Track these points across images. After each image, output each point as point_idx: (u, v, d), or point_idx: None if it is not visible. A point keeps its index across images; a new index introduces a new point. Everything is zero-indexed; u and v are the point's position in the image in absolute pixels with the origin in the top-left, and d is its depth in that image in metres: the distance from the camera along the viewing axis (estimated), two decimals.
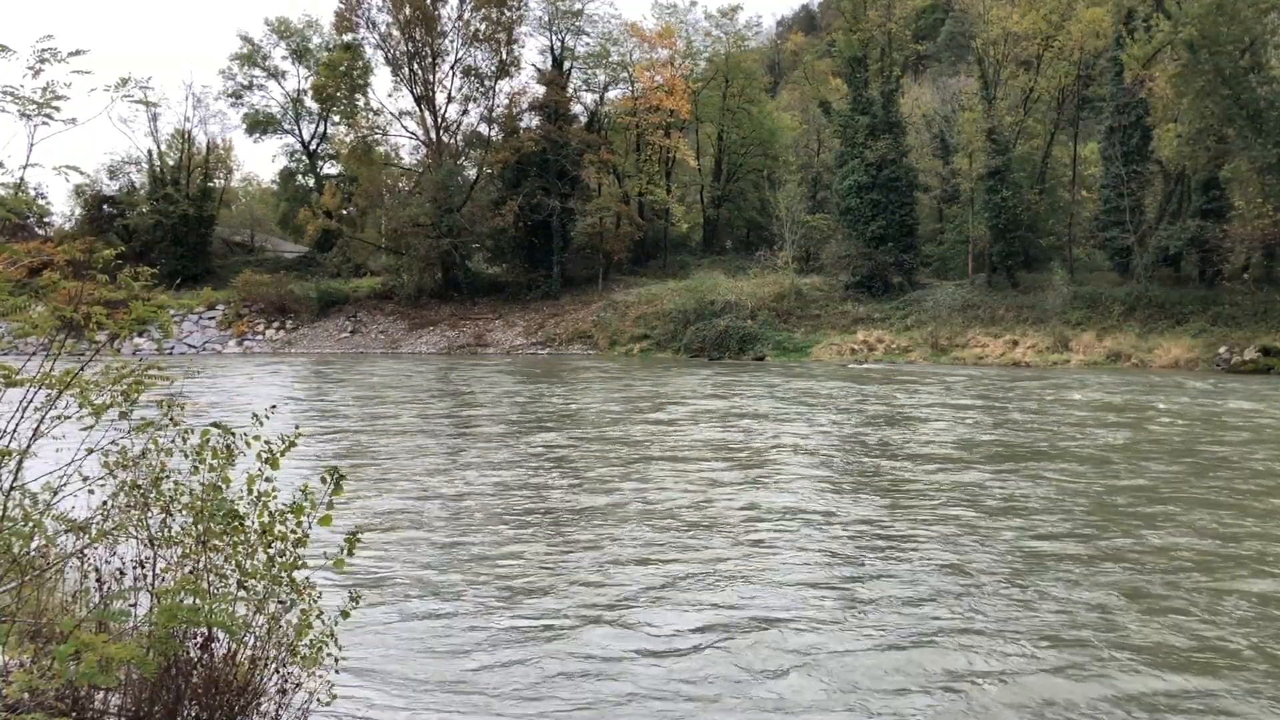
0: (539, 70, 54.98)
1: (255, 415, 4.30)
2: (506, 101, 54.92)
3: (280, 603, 4.15)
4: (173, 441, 4.35)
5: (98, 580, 4.17)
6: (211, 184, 59.30)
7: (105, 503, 4.14)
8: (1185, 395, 24.27)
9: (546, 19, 54.56)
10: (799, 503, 11.24)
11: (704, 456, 14.64)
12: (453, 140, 55.61)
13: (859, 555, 8.89)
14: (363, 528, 4.68)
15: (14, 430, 3.70)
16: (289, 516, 4.18)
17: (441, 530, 10.12)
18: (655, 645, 6.68)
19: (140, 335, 4.45)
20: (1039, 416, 19.74)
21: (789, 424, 18.62)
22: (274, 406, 4.76)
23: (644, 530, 9.86)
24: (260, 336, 50.44)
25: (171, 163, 58.45)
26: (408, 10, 52.56)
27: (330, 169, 62.89)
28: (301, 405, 23.24)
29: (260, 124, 60.85)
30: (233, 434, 4.30)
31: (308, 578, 4.24)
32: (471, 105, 55.20)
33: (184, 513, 4.20)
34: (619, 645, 6.68)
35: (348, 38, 55.51)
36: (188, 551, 4.17)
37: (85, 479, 4.03)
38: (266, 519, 4.17)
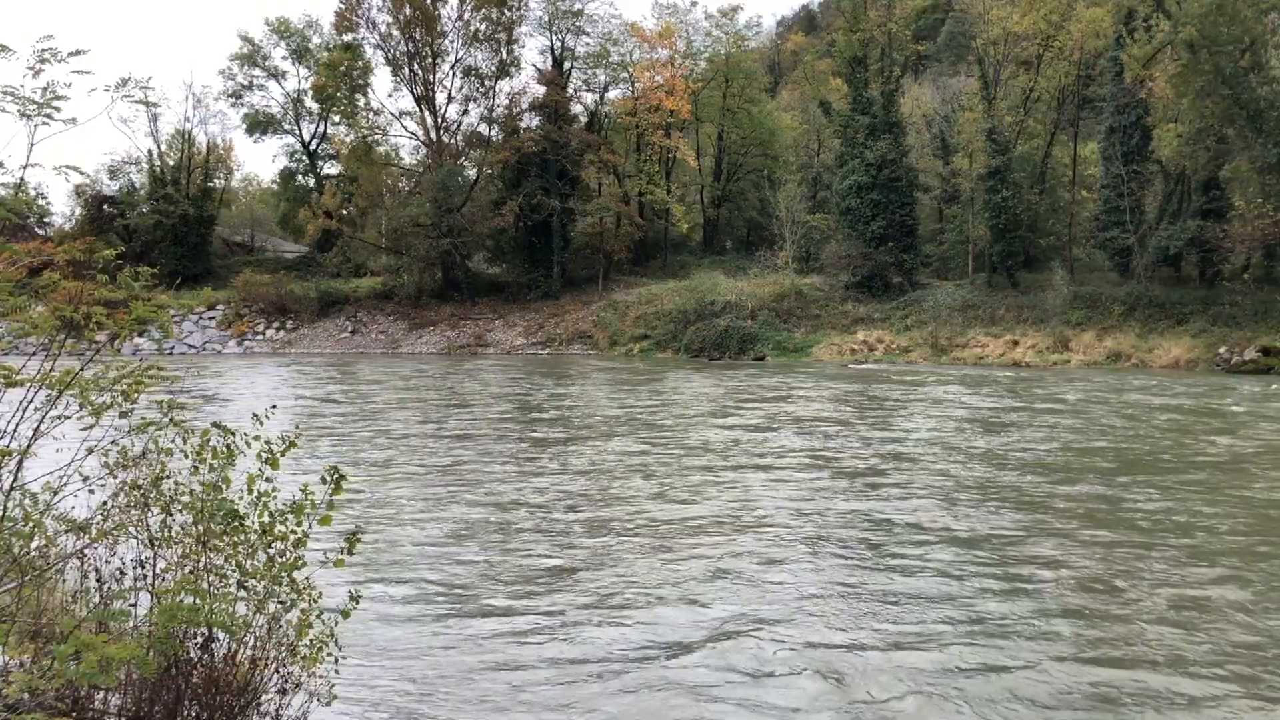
0: (539, 70, 55.02)
1: (255, 415, 4.30)
2: (506, 101, 55.05)
3: (280, 603, 4.15)
4: (173, 441, 4.35)
5: (98, 580, 4.17)
6: (211, 184, 59.29)
7: (105, 503, 4.14)
8: (1247, 398, 23.27)
9: (546, 19, 54.62)
10: (930, 517, 10.41)
11: (805, 464, 13.93)
12: (453, 140, 55.62)
13: (1037, 589, 7.83)
14: (362, 529, 4.66)
15: (14, 430, 3.70)
16: (289, 516, 4.18)
17: (448, 530, 10.12)
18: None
19: (140, 335, 4.45)
20: (1127, 421, 18.72)
21: (864, 429, 17.85)
22: (274, 406, 4.76)
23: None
24: (260, 336, 50.44)
25: (172, 163, 58.43)
26: (408, 10, 52.57)
27: (330, 169, 62.92)
28: (344, 408, 22.47)
29: (260, 124, 60.85)
30: (232, 434, 4.30)
31: (308, 578, 4.24)
32: (471, 105, 55.28)
33: (184, 513, 4.20)
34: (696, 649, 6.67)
35: (348, 38, 55.52)
36: (188, 551, 4.17)
37: (85, 479, 4.03)
38: (266, 519, 4.17)
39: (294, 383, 30.43)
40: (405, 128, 57.98)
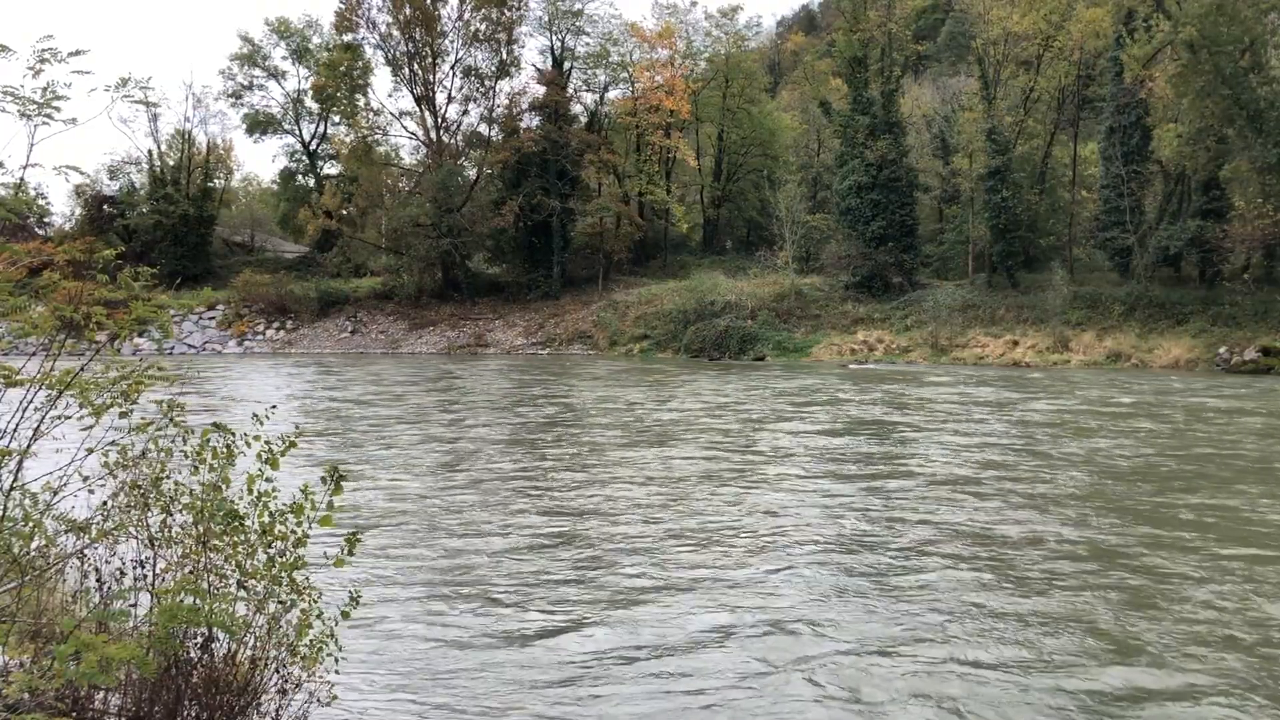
0: (539, 70, 55.01)
1: (255, 415, 4.30)
2: (506, 101, 54.98)
3: (280, 603, 4.15)
4: (173, 442, 4.35)
5: (98, 580, 4.17)
6: (211, 184, 59.27)
7: (105, 503, 4.14)
8: None
9: (546, 19, 54.61)
10: (1052, 530, 9.88)
11: (900, 472, 13.36)
12: (453, 140, 55.61)
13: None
14: (362, 528, 4.66)
15: (14, 430, 3.70)
16: (289, 516, 4.18)
17: (448, 530, 10.12)
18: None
19: (140, 335, 4.46)
20: (1206, 425, 18.03)
21: (940, 434, 17.11)
22: (274, 407, 4.76)
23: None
24: (260, 336, 50.43)
25: (172, 163, 58.42)
26: (408, 10, 52.55)
27: (330, 169, 62.92)
28: (370, 413, 21.78)
29: (260, 124, 60.86)
30: (232, 434, 4.30)
31: (308, 578, 4.24)
32: (471, 105, 55.25)
33: (184, 513, 4.20)
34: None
35: (348, 38, 55.49)
36: (188, 551, 4.17)
37: (85, 479, 4.03)
38: (266, 519, 4.17)
39: (322, 383, 29.97)
40: (405, 128, 58.06)
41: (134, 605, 3.92)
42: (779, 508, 11.02)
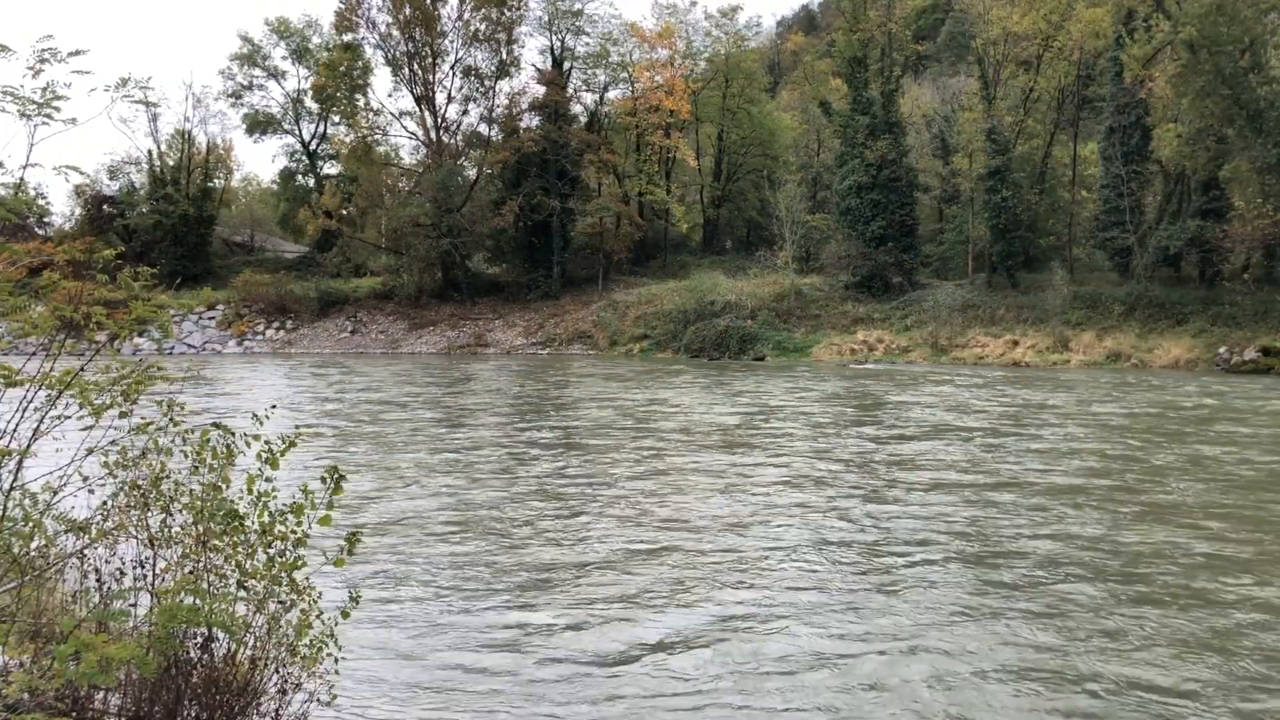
0: (539, 70, 55.01)
1: (255, 415, 4.30)
2: (506, 101, 54.99)
3: (280, 603, 4.15)
4: (173, 442, 4.35)
5: (98, 580, 4.17)
6: (211, 184, 59.28)
7: (105, 503, 4.14)
8: None
9: (546, 19, 54.62)
10: (1161, 538, 9.44)
11: (996, 483, 12.59)
12: (453, 140, 55.61)
13: None
14: (362, 528, 4.66)
15: (14, 430, 3.70)
16: (289, 516, 4.18)
17: (448, 531, 10.11)
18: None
19: (140, 335, 4.46)
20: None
21: (1022, 439, 16.51)
22: (274, 407, 4.75)
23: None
24: (260, 336, 50.44)
25: (171, 163, 58.44)
26: (408, 10, 52.56)
27: (330, 169, 62.93)
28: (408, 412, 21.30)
29: (260, 124, 60.86)
30: (232, 434, 4.30)
31: (308, 578, 4.24)
32: (471, 105, 55.25)
33: (184, 513, 4.20)
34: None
35: (348, 38, 55.49)
36: (188, 551, 4.17)
37: (85, 479, 4.03)
38: (266, 519, 4.17)
39: (349, 384, 29.60)
40: (405, 128, 58.06)
41: (134, 605, 3.92)
42: (903, 517, 10.42)
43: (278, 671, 4.17)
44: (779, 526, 10.07)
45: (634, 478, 13.01)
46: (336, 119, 59.77)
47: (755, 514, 10.67)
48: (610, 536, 9.72)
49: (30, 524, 3.80)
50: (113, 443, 4.19)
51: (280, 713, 4.20)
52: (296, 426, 4.50)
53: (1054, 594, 7.75)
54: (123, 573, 4.17)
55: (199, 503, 4.15)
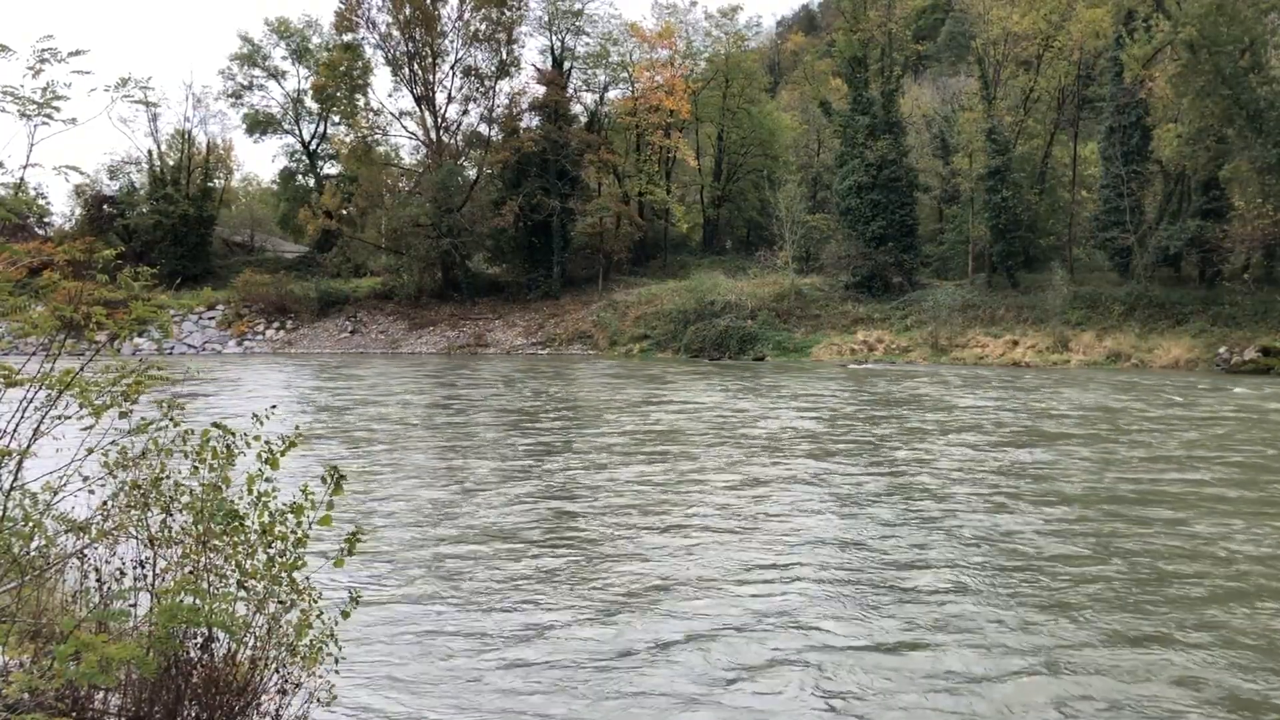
0: (539, 70, 54.99)
1: (256, 415, 4.30)
2: (506, 101, 55.01)
3: (280, 603, 4.15)
4: (173, 442, 4.35)
5: (98, 580, 4.17)
6: (211, 184, 59.28)
7: (105, 503, 4.14)
8: None
9: (546, 19, 54.59)
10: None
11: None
12: (453, 140, 55.60)
13: None
14: (362, 528, 4.65)
15: (14, 430, 3.70)
16: (289, 516, 4.18)
17: (447, 531, 10.11)
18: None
19: (140, 335, 4.45)
20: None
21: (1099, 442, 16.04)
22: (274, 407, 4.75)
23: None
24: (260, 336, 50.43)
25: (171, 163, 58.44)
26: (408, 10, 52.55)
27: (330, 169, 62.90)
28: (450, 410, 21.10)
29: (260, 124, 60.84)
30: (232, 434, 4.30)
31: (308, 578, 4.24)
32: (471, 105, 55.23)
33: (184, 513, 4.20)
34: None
35: (348, 38, 55.49)
36: (188, 551, 4.17)
37: (85, 479, 4.03)
38: (266, 519, 4.17)
39: (375, 384, 29.55)
40: (405, 128, 58.03)
41: (134, 605, 3.92)
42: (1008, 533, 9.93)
43: (278, 671, 4.17)
44: (924, 542, 9.52)
45: (728, 486, 12.48)
46: (336, 119, 59.76)
47: (870, 529, 10.08)
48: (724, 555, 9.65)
49: (30, 524, 3.80)
50: (113, 443, 4.19)
51: (280, 713, 4.20)
52: (296, 427, 4.46)
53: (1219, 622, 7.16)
54: (123, 573, 4.17)
55: (199, 503, 4.14)
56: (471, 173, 55.85)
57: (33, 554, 3.91)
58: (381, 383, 29.61)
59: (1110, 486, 12.33)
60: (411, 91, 54.78)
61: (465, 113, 55.58)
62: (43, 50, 3.83)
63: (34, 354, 3.89)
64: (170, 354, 45.75)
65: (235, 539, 4.13)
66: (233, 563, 4.13)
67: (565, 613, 7.37)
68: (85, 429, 3.89)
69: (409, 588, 8.04)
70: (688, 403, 23.09)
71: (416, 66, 54.05)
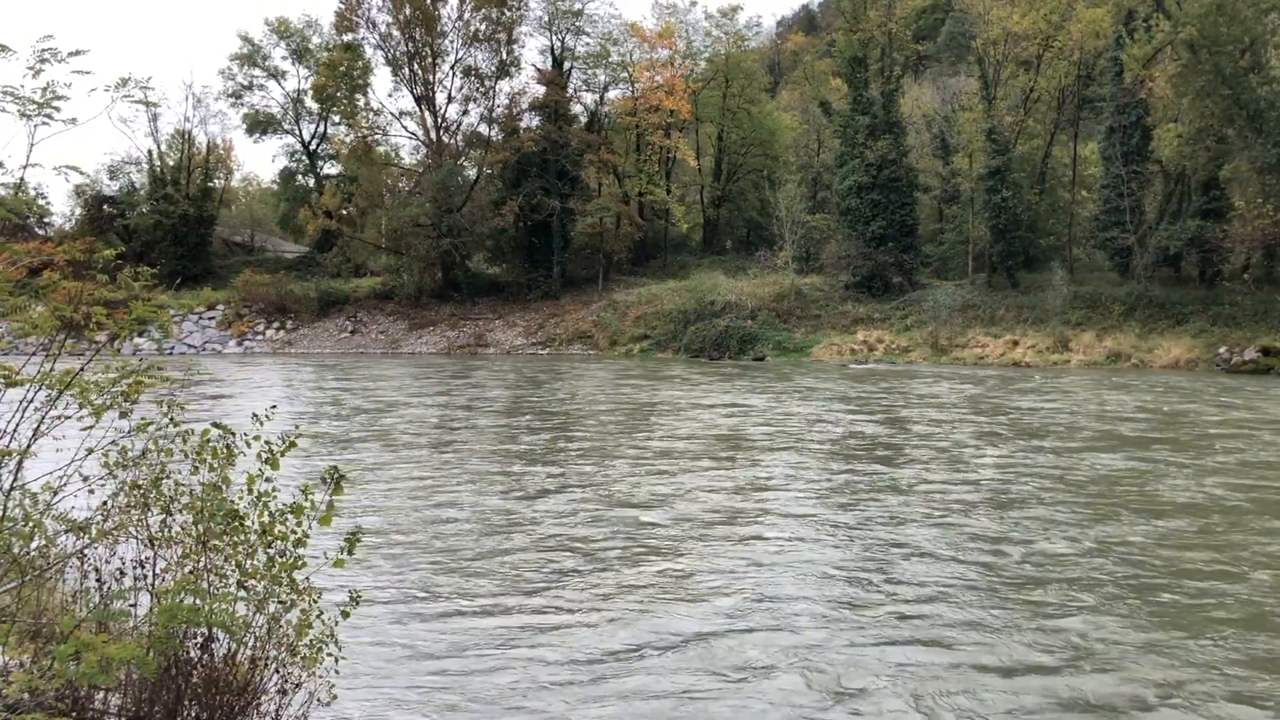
0: (539, 70, 54.99)
1: (255, 415, 4.29)
2: (507, 101, 55.00)
3: (280, 603, 4.15)
4: (173, 442, 4.35)
5: (98, 580, 4.17)
6: (211, 184, 59.28)
7: (105, 503, 4.14)
8: None
9: (546, 19, 54.60)
10: None
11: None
12: (453, 140, 55.60)
13: None
14: (363, 529, 4.65)
15: (14, 430, 3.70)
16: (289, 516, 4.18)
17: (448, 533, 10.11)
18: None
19: (140, 335, 4.45)
20: None
21: (1152, 443, 15.59)
22: (274, 406, 4.75)
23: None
24: (260, 336, 50.44)
25: (172, 163, 58.42)
26: (408, 10, 52.56)
27: (330, 169, 62.91)
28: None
29: (260, 124, 60.85)
30: (232, 434, 4.30)
31: (308, 578, 4.24)
32: (471, 105, 55.23)
33: (184, 513, 4.20)
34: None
35: (348, 38, 55.50)
36: (188, 551, 4.17)
37: (85, 479, 4.03)
38: (266, 519, 4.17)
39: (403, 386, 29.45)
40: (405, 128, 58.04)
41: (134, 605, 3.92)
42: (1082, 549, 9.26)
43: (278, 671, 4.17)
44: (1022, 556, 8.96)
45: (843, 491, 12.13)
46: (336, 119, 59.77)
47: (957, 538, 9.57)
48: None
49: (30, 524, 3.80)
50: (113, 443, 4.19)
51: (280, 713, 4.21)
52: (297, 426, 4.45)
53: None
54: (123, 573, 4.17)
55: (199, 503, 4.15)
56: (471, 173, 55.86)
57: (33, 554, 3.91)
58: (407, 384, 29.31)
59: (1222, 495, 11.57)
60: (411, 91, 54.81)
61: (465, 113, 55.65)
62: (43, 50, 3.83)
63: (34, 354, 3.89)
64: (170, 354, 45.75)
65: (235, 539, 4.13)
66: (233, 563, 4.13)
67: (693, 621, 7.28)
68: (85, 429, 3.89)
69: (409, 586, 8.03)
70: (735, 405, 22.19)
71: (416, 66, 54.06)
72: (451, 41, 54.16)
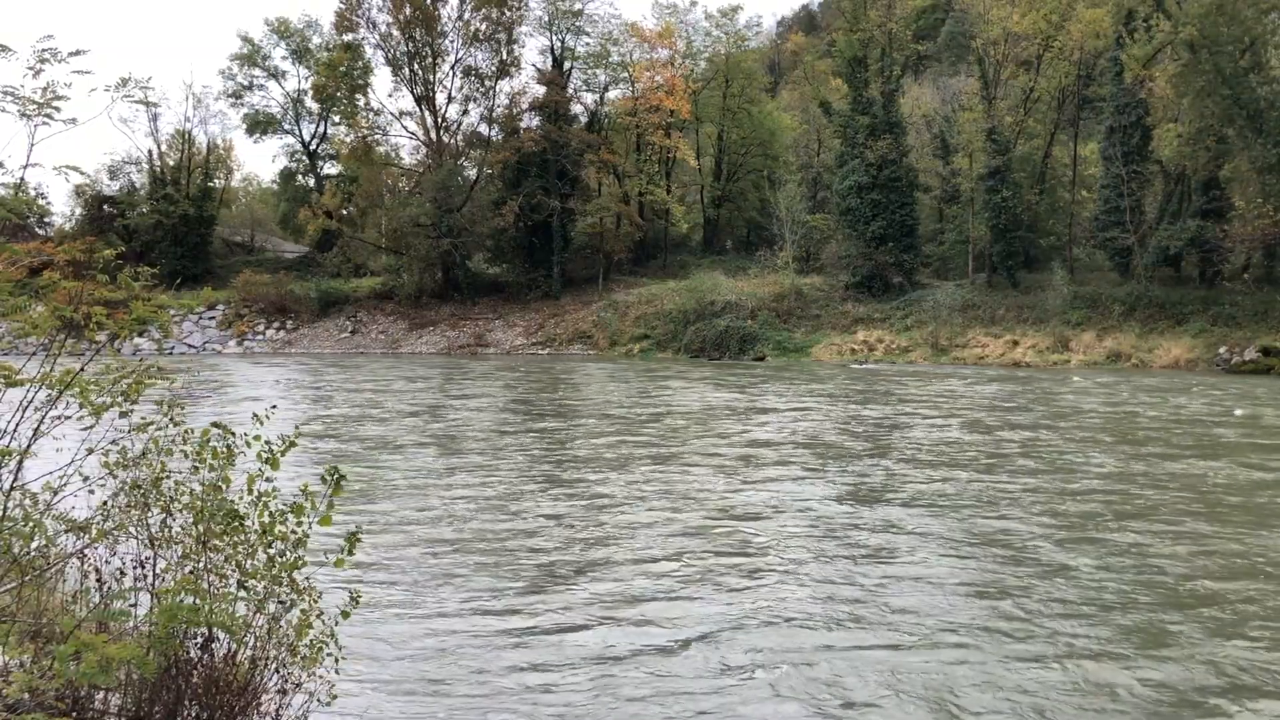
0: (539, 70, 55.01)
1: (256, 415, 4.29)
2: (507, 101, 55.03)
3: (280, 603, 4.15)
4: (173, 442, 4.34)
5: (98, 580, 4.17)
6: (212, 184, 59.28)
7: (105, 503, 4.14)
8: None
9: (546, 19, 54.62)
10: None
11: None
12: (453, 140, 55.61)
13: None
14: (362, 529, 4.64)
15: (14, 430, 3.69)
16: (289, 516, 4.18)
17: (449, 531, 10.11)
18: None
19: (140, 335, 4.46)
20: None
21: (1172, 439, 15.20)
22: (274, 406, 4.75)
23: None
24: (260, 336, 50.45)
25: (172, 163, 58.44)
26: (408, 10, 52.56)
27: (330, 169, 62.96)
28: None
29: (260, 124, 60.88)
30: (232, 434, 4.30)
31: (308, 578, 4.24)
32: (472, 105, 55.26)
33: (184, 513, 4.19)
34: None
35: (348, 38, 55.48)
36: (188, 551, 4.16)
37: (85, 479, 4.02)
38: (267, 519, 4.17)
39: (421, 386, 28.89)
40: (405, 128, 58.03)
41: (134, 605, 3.92)
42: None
43: (278, 672, 4.17)
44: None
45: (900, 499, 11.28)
46: (336, 119, 59.81)
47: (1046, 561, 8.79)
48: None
49: (30, 524, 3.80)
50: (113, 443, 4.19)
51: (280, 713, 4.20)
52: (297, 427, 4.45)
53: None
54: (123, 573, 4.17)
55: (199, 503, 4.14)
56: (471, 173, 55.86)
57: (33, 554, 3.91)
58: (435, 384, 28.98)
59: None
60: (411, 91, 54.83)
61: (465, 113, 55.68)
62: (43, 50, 3.83)
63: (34, 354, 3.89)
64: (170, 354, 45.74)
65: (235, 539, 4.13)
66: (233, 563, 4.13)
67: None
68: (85, 429, 3.88)
69: (410, 586, 8.03)
70: (772, 411, 21.34)
71: (416, 66, 54.07)
72: (451, 41, 54.21)
